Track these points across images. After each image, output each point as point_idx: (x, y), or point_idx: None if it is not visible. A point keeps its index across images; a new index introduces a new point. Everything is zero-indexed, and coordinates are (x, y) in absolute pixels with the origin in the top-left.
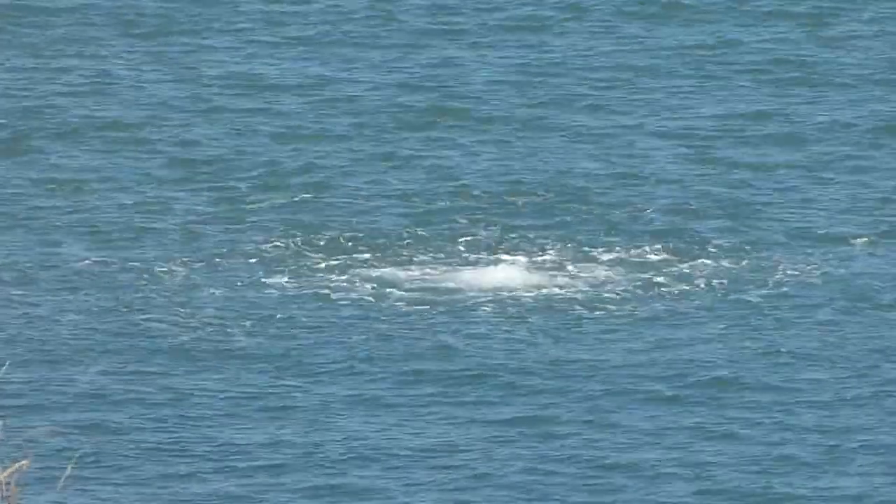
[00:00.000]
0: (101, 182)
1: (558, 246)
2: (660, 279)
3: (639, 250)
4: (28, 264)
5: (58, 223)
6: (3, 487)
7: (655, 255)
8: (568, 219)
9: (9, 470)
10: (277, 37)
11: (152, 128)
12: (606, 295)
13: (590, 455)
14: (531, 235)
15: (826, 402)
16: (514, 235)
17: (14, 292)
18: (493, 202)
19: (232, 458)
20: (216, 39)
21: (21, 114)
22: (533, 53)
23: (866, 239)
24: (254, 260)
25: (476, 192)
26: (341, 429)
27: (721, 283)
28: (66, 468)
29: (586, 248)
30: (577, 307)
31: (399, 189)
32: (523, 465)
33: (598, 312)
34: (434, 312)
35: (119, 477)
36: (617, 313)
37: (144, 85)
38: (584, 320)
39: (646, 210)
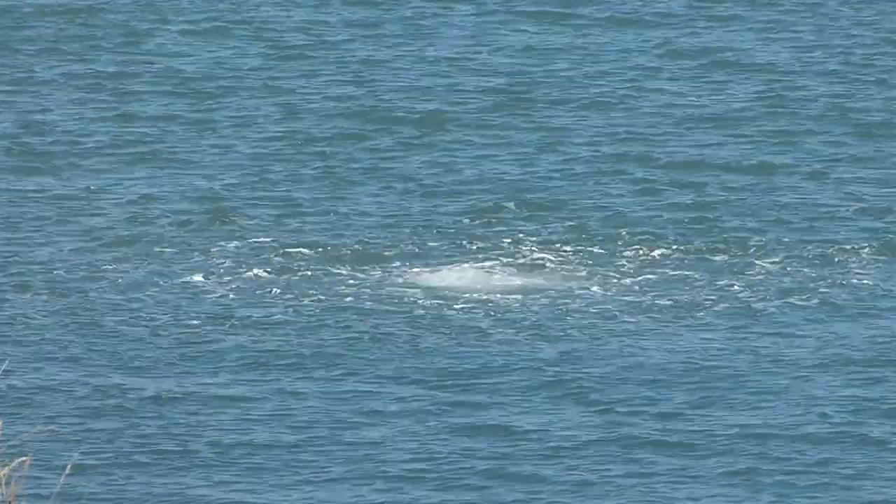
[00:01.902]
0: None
1: (559, 248)
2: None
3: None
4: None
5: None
6: (3, 486)
7: (658, 257)
8: (568, 221)
9: (8, 468)
10: (255, 40)
11: (130, 136)
12: (609, 298)
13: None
14: (528, 236)
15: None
16: (507, 239)
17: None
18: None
19: (227, 459)
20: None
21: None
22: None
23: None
24: (233, 264)
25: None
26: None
27: (734, 287)
28: (65, 468)
29: (585, 249)
30: (584, 312)
31: (383, 193)
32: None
33: (597, 316)
34: (419, 314)
35: (118, 476)
36: (618, 318)
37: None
38: (586, 324)
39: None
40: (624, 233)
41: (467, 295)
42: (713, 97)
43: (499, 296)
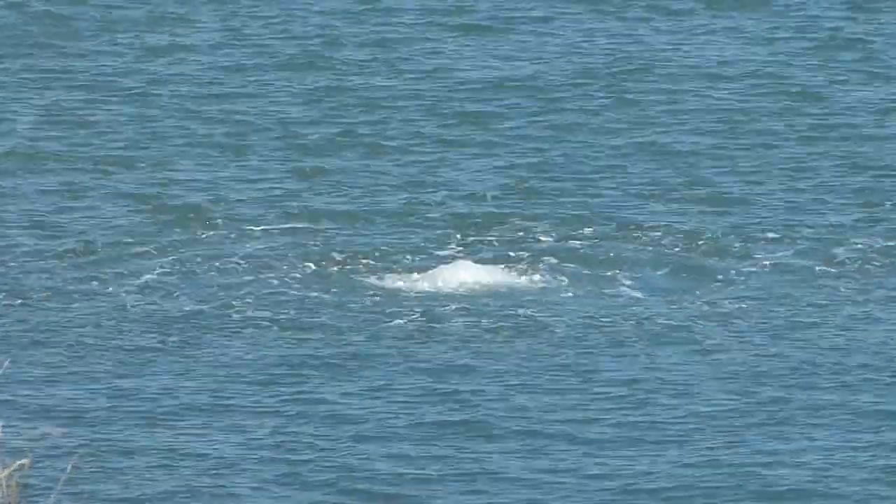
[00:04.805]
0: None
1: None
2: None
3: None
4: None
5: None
6: (3, 487)
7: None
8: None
9: (8, 469)
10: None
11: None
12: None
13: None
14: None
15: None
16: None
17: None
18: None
19: (223, 460)
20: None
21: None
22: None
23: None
24: (230, 265)
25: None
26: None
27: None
28: (65, 468)
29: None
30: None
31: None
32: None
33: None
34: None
35: (118, 476)
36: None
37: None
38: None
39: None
40: (635, 231)
41: (468, 295)
42: (725, 89)
43: (503, 295)
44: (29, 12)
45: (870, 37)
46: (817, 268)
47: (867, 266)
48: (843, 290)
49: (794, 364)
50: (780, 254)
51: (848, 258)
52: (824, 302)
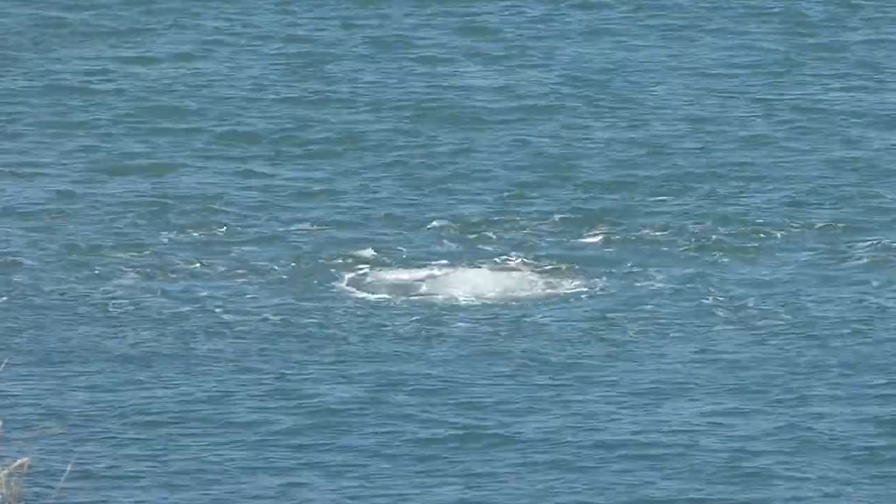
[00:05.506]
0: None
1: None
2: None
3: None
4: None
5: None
6: (4, 486)
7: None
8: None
9: (9, 468)
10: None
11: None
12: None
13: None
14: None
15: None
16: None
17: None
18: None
19: (219, 462)
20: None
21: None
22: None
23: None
24: (235, 264)
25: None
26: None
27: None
28: (66, 468)
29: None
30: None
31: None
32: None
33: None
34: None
35: (118, 477)
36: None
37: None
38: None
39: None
40: (640, 232)
41: (469, 297)
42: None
43: (510, 297)
44: (26, 14)
45: (867, 41)
46: (829, 265)
47: (881, 263)
48: (855, 286)
49: (803, 364)
50: (787, 253)
51: (860, 255)
52: (837, 298)
